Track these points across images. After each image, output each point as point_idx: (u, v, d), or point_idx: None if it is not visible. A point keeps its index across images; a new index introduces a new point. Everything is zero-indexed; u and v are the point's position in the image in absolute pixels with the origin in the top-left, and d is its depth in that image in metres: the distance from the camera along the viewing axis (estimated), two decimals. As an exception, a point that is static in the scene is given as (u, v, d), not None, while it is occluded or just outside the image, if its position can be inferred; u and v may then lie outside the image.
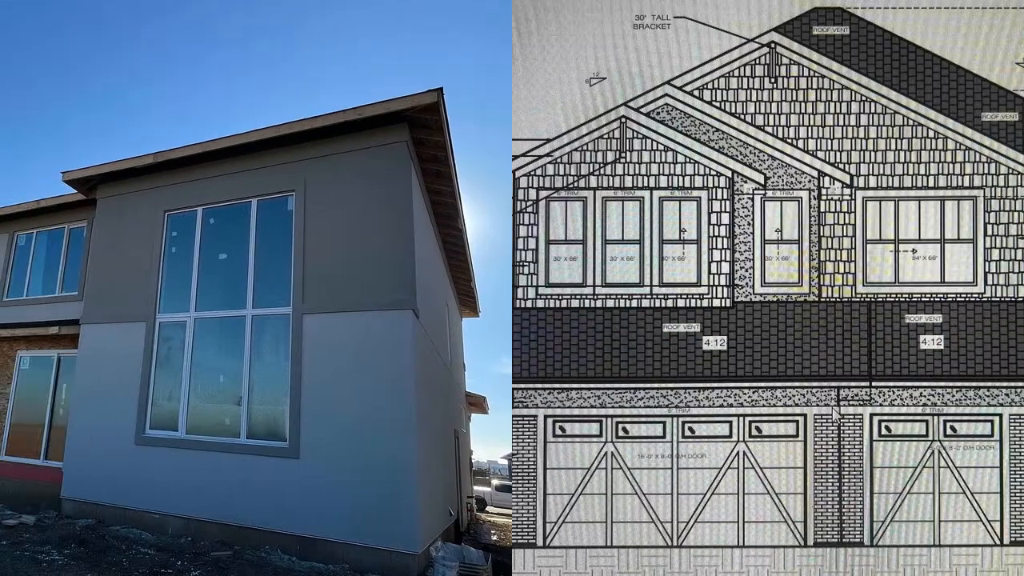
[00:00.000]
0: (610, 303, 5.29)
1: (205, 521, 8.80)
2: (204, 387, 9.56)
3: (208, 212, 10.01)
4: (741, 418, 5.31)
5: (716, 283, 5.30)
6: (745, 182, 5.33)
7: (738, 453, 5.30)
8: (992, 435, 5.30)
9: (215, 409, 9.35)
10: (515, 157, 5.33)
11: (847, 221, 5.32)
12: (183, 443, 9.27)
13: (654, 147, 5.34)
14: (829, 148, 5.33)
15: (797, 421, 5.31)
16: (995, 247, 5.31)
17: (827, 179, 5.32)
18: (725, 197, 5.33)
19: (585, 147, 5.35)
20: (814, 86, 5.35)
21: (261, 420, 8.88)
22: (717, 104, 5.36)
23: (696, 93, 5.36)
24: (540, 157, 5.33)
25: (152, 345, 9.92)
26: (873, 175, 5.33)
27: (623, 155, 5.34)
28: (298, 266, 8.80)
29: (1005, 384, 5.26)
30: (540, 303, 5.30)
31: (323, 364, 8.36)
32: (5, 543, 7.99)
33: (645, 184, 5.34)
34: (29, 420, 12.28)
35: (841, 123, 5.34)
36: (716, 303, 5.29)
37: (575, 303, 5.28)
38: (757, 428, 5.31)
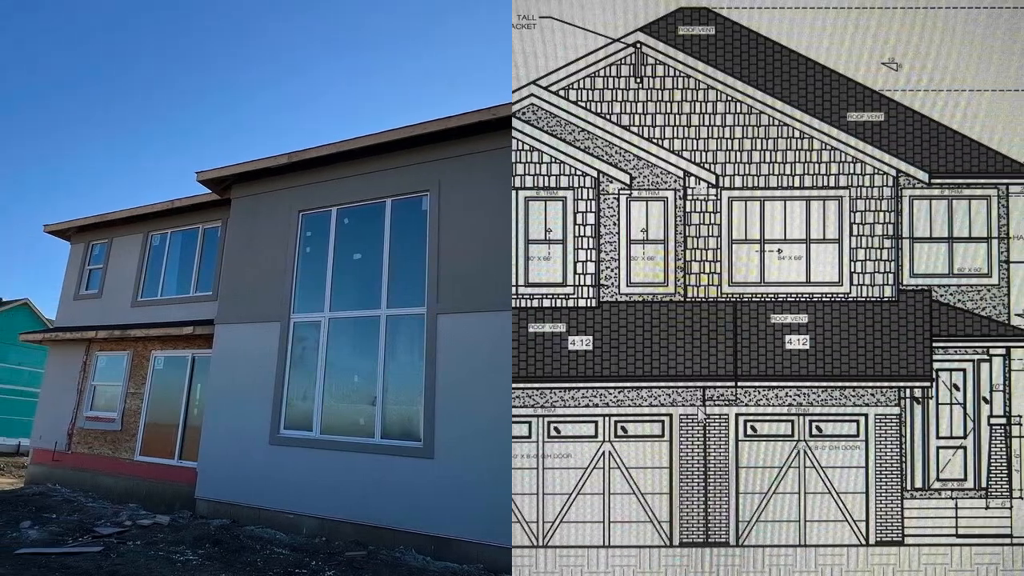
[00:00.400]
0: (476, 303, 5.29)
1: (339, 521, 8.87)
2: (338, 387, 9.62)
3: (342, 212, 10.09)
4: (607, 418, 5.30)
5: (582, 283, 5.30)
6: (611, 182, 5.33)
7: (604, 453, 5.29)
8: (858, 435, 5.30)
9: (349, 409, 9.42)
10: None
11: (713, 221, 5.32)
12: (317, 443, 9.33)
13: (520, 147, 5.34)
14: (695, 148, 5.33)
15: (663, 421, 5.31)
16: (861, 247, 5.31)
17: (693, 179, 5.32)
18: (591, 197, 5.32)
19: (451, 147, 5.34)
20: (680, 86, 5.35)
21: (395, 420, 8.94)
22: (583, 104, 5.36)
23: (562, 93, 5.36)
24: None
25: (286, 345, 9.99)
26: (739, 175, 5.33)
27: (488, 155, 5.33)
28: (433, 266, 8.86)
29: (871, 384, 5.26)
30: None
31: (458, 364, 8.40)
32: (140, 543, 8.10)
33: (511, 184, 5.34)
34: (163, 420, 12.35)
35: (707, 123, 5.34)
36: (582, 303, 5.29)
37: (440, 303, 5.28)
38: (623, 428, 5.31)
